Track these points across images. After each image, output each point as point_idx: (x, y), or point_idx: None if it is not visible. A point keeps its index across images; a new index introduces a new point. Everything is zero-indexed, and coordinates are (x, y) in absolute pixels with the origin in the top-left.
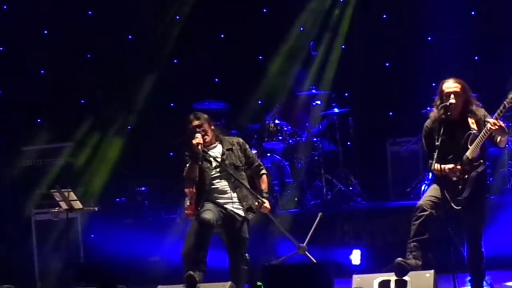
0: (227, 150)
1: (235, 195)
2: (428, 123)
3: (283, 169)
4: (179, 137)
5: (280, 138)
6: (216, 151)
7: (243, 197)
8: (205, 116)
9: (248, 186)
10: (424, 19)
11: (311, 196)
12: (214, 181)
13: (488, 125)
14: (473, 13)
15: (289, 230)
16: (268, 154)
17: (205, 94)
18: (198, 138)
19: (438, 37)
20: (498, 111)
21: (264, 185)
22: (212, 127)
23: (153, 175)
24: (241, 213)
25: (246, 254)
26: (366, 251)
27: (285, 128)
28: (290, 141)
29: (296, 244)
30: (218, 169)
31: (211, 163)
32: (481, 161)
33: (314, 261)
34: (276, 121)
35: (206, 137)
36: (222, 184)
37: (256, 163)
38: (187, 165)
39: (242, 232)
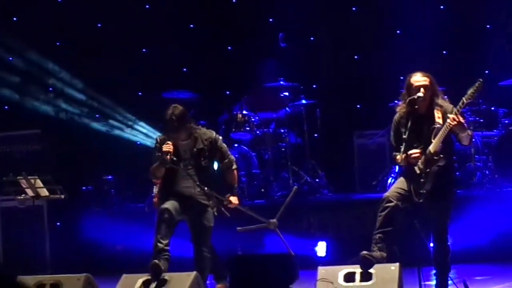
0: (197, 150)
1: (198, 191)
2: (396, 117)
3: (250, 160)
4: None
5: (248, 128)
6: (188, 149)
7: (206, 194)
8: (183, 111)
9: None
10: (393, 12)
11: (277, 187)
12: (180, 178)
13: (448, 121)
14: (442, 7)
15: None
16: (236, 145)
17: (174, 83)
18: (168, 146)
19: (407, 31)
20: (457, 106)
21: (233, 181)
22: (187, 125)
23: (120, 163)
24: (205, 202)
25: (211, 244)
26: (332, 243)
27: (253, 119)
28: (258, 132)
29: (265, 220)
30: (185, 168)
31: (180, 163)
32: (442, 155)
33: (283, 239)
34: (244, 112)
35: (179, 133)
36: (188, 181)
37: (227, 159)
38: (155, 164)
39: (205, 220)
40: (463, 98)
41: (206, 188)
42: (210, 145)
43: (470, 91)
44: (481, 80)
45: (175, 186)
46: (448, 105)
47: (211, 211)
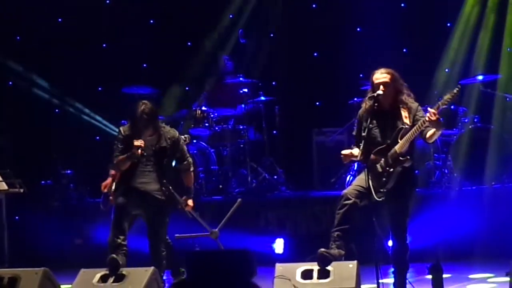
0: (160, 148)
1: (157, 187)
2: (360, 111)
3: (208, 156)
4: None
5: (207, 125)
6: (151, 143)
7: (164, 191)
8: (153, 109)
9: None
10: (353, 9)
11: (235, 183)
12: (139, 174)
13: (426, 117)
14: (402, 5)
15: (213, 217)
16: (194, 141)
17: (134, 79)
18: (141, 142)
19: (367, 28)
20: (433, 108)
21: (190, 183)
22: (156, 123)
23: (79, 158)
24: (161, 197)
25: (167, 238)
26: (289, 240)
27: (212, 115)
28: (217, 128)
29: (208, 229)
30: (145, 163)
31: (141, 158)
32: (408, 157)
33: (222, 248)
34: (203, 108)
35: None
36: (146, 177)
37: (186, 161)
38: (122, 156)
39: (161, 214)
40: (439, 103)
41: (169, 187)
42: (172, 144)
43: (446, 97)
44: (459, 86)
45: (132, 181)
46: (413, 103)
47: (167, 207)
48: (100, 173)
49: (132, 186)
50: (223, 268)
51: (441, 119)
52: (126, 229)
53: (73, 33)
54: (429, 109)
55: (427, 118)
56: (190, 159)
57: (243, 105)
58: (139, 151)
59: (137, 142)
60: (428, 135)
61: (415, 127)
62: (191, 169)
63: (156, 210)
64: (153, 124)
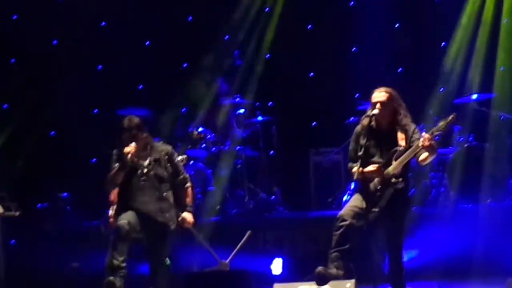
0: (154, 160)
1: (157, 205)
2: (358, 127)
3: (205, 177)
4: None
5: (203, 146)
6: (144, 159)
7: (165, 208)
8: (138, 122)
9: (172, 199)
10: (349, 30)
11: (233, 204)
12: (138, 190)
13: (420, 142)
14: (397, 25)
15: (211, 238)
16: (191, 162)
17: (129, 100)
18: (130, 147)
19: (363, 48)
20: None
21: (188, 199)
22: (144, 135)
23: (75, 181)
24: (162, 220)
25: (167, 260)
26: (288, 260)
27: (209, 136)
28: (213, 149)
29: (218, 260)
30: (143, 178)
31: (137, 172)
32: (401, 179)
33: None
34: (200, 129)
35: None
36: (146, 194)
37: (182, 176)
38: (114, 168)
39: (162, 238)
40: (433, 129)
41: (168, 201)
42: (166, 156)
43: (441, 123)
44: (454, 114)
45: (132, 200)
46: (410, 125)
47: (172, 230)
48: (97, 196)
49: (133, 207)
50: None
51: (434, 144)
52: (126, 251)
53: (68, 55)
54: (423, 134)
55: (420, 144)
56: (187, 175)
57: (243, 133)
58: (129, 156)
59: (127, 148)
60: (421, 158)
61: (409, 151)
62: (188, 184)
63: (157, 233)
64: (140, 137)
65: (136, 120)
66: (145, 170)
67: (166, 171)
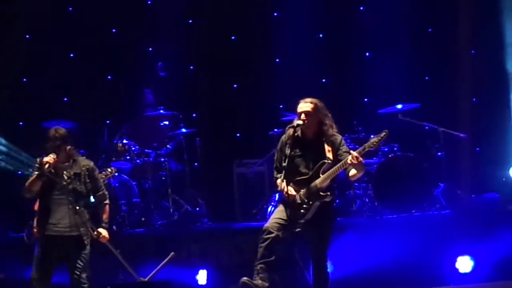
0: (75, 174)
1: (73, 220)
2: (283, 137)
3: (130, 189)
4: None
5: (128, 157)
6: (65, 172)
7: (80, 223)
8: (64, 133)
9: (87, 216)
10: (272, 41)
11: (158, 216)
12: (55, 203)
13: (349, 159)
14: (320, 35)
15: (135, 250)
16: (116, 174)
17: (54, 113)
18: (50, 158)
19: (286, 59)
20: (358, 151)
21: (105, 215)
22: (68, 147)
23: (1, 192)
24: (76, 233)
25: (84, 276)
26: (212, 271)
27: (133, 148)
28: (138, 161)
29: (136, 277)
30: (60, 192)
31: (55, 184)
32: (329, 193)
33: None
34: (124, 141)
35: (58, 156)
36: (62, 207)
37: (101, 192)
38: (31, 178)
39: (78, 248)
40: (365, 145)
41: (84, 215)
42: (87, 171)
43: (374, 140)
44: (386, 131)
45: (49, 218)
46: (336, 137)
47: (85, 244)
48: (22, 208)
49: (48, 230)
50: None
51: (363, 161)
52: (50, 267)
53: None
54: (351, 152)
55: (349, 161)
56: (106, 192)
57: (168, 146)
58: (47, 166)
59: (46, 158)
60: (350, 174)
61: (337, 166)
62: (107, 201)
63: (73, 246)
64: (64, 148)
65: (62, 131)
66: (64, 183)
67: (85, 186)
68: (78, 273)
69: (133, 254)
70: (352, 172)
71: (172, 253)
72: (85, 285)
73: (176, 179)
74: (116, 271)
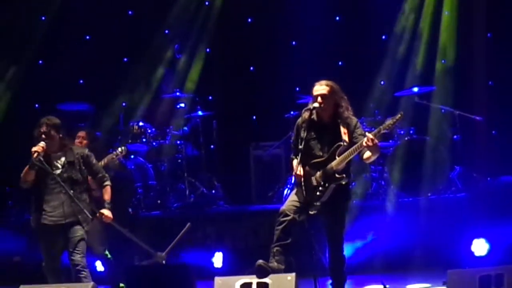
0: (68, 162)
1: (70, 208)
2: (299, 120)
3: (146, 172)
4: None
5: (144, 140)
6: (59, 161)
7: (77, 211)
8: (56, 122)
9: (87, 201)
10: (288, 23)
11: (174, 198)
12: (50, 192)
13: (364, 141)
14: (337, 18)
15: (152, 232)
16: (132, 156)
17: (70, 95)
18: (39, 147)
19: (302, 42)
20: (373, 133)
21: (107, 196)
22: (60, 135)
23: (17, 175)
24: (73, 218)
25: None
26: (228, 254)
27: (149, 131)
28: (154, 143)
29: (152, 252)
30: (55, 180)
31: (49, 174)
32: (344, 175)
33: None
34: (140, 123)
35: (50, 145)
36: (58, 196)
37: (100, 174)
38: (25, 169)
39: (76, 231)
40: (380, 127)
41: (82, 202)
42: (81, 159)
43: (388, 122)
44: (401, 113)
45: (45, 208)
46: (351, 118)
47: (86, 227)
48: None
49: (44, 219)
50: (163, 283)
51: (378, 144)
52: (56, 255)
53: (8, 50)
54: (367, 134)
55: (364, 143)
56: (106, 174)
57: (184, 128)
58: (35, 155)
59: (34, 148)
60: (365, 156)
61: (352, 148)
62: (107, 182)
63: (70, 230)
64: (55, 137)
65: (54, 120)
66: (58, 172)
67: (81, 173)
68: (78, 258)
69: (149, 236)
70: (367, 154)
71: (189, 224)
72: (84, 272)
73: (192, 161)
74: (133, 252)
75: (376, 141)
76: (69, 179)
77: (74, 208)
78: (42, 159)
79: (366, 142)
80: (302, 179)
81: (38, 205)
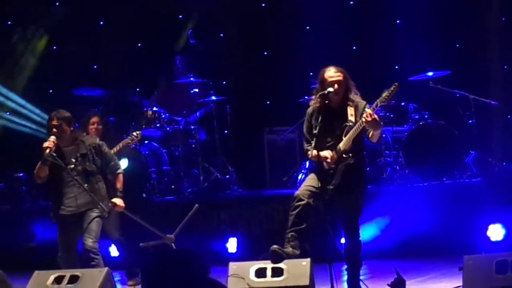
0: (81, 155)
1: (87, 199)
2: (309, 109)
3: (160, 157)
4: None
5: (158, 125)
6: (71, 154)
7: (93, 202)
8: (66, 116)
9: (103, 190)
10: (302, 8)
11: (188, 183)
12: (66, 185)
13: (363, 118)
14: (351, 2)
15: (165, 217)
16: (146, 142)
17: (84, 80)
18: (49, 142)
19: (316, 27)
20: (372, 107)
21: (119, 184)
22: (71, 129)
23: (32, 161)
24: (89, 207)
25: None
26: (242, 239)
27: (163, 116)
28: (168, 128)
29: (162, 235)
30: (71, 174)
31: (64, 167)
32: (351, 154)
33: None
34: (154, 108)
35: (62, 139)
36: (74, 189)
37: (112, 163)
38: (38, 164)
39: (90, 216)
40: (377, 101)
41: (99, 193)
42: (94, 150)
43: (384, 94)
44: (396, 84)
45: (62, 201)
46: (360, 101)
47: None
48: None
49: (63, 210)
50: (177, 268)
51: (378, 119)
52: (72, 246)
53: (23, 35)
54: (366, 109)
55: (363, 119)
56: (118, 162)
57: (198, 113)
58: (48, 151)
59: (45, 143)
60: (370, 135)
61: (355, 127)
62: (119, 170)
63: (85, 215)
64: (67, 130)
65: (65, 114)
66: (72, 166)
67: (95, 164)
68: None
69: (163, 221)
70: (371, 132)
71: (196, 205)
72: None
73: (206, 146)
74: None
75: (375, 116)
76: (84, 171)
77: (91, 199)
78: (54, 154)
79: (365, 117)
80: (321, 159)
81: (57, 201)
